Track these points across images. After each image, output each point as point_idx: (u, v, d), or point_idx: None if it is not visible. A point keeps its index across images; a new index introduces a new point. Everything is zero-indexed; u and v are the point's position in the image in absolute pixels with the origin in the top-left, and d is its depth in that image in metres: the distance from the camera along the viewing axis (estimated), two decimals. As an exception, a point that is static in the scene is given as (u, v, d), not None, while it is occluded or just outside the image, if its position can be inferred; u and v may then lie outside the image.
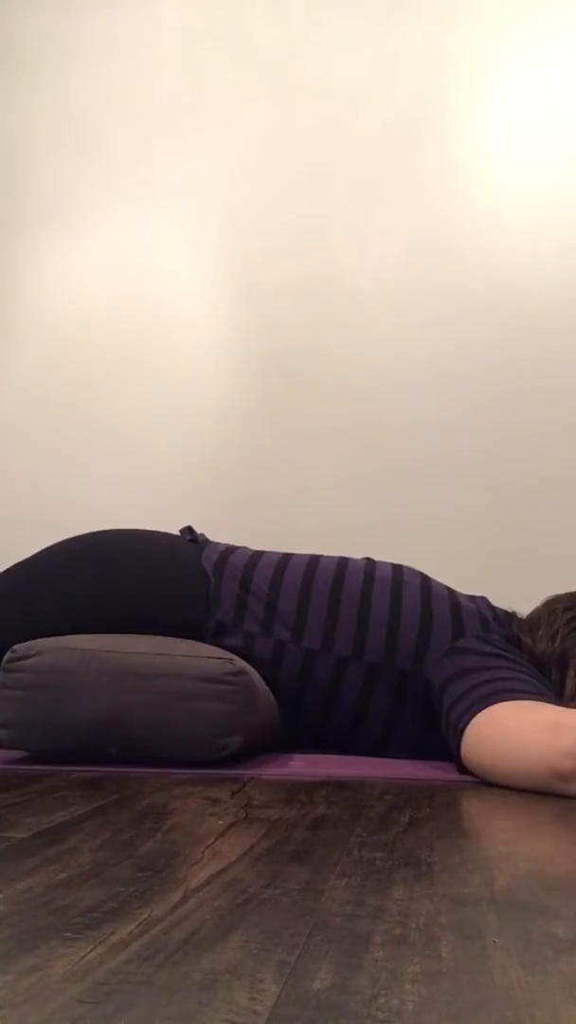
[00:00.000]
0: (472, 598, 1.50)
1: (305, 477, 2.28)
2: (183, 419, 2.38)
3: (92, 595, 1.46)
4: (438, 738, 1.40)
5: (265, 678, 1.41)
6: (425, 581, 1.50)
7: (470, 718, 1.21)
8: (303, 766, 1.26)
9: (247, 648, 1.42)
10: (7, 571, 1.54)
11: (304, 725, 1.46)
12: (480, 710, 1.21)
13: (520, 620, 1.48)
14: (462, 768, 1.23)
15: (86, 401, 2.44)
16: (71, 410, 2.44)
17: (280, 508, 2.26)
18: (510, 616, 1.50)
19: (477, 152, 2.31)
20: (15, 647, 1.31)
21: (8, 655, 1.30)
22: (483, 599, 1.52)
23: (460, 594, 1.50)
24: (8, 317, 2.51)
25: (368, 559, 1.55)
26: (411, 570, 1.53)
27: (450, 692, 1.30)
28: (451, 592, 1.49)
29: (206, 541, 1.58)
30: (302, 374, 2.33)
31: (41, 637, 1.36)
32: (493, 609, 1.49)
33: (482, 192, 2.29)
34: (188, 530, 1.60)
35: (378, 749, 1.44)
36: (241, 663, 1.31)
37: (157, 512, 2.03)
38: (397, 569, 1.52)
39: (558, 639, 1.39)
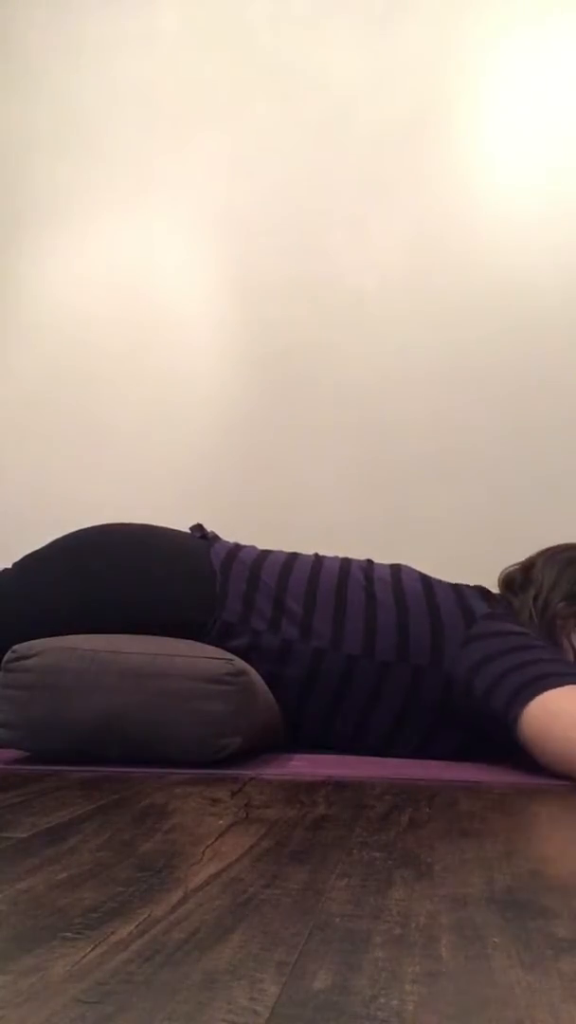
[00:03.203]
0: (469, 586, 1.52)
1: (305, 476, 2.28)
2: (183, 418, 2.38)
3: (102, 588, 1.46)
4: (442, 736, 1.40)
5: (272, 675, 1.40)
6: (424, 576, 1.51)
7: (521, 707, 1.22)
8: (303, 766, 1.26)
9: (254, 645, 1.41)
10: (18, 563, 1.54)
11: (309, 723, 1.45)
12: (530, 698, 1.22)
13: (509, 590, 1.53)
14: (510, 749, 1.26)
15: (87, 400, 2.44)
16: (72, 409, 2.44)
17: (280, 507, 2.26)
18: (507, 600, 1.53)
19: (478, 151, 2.31)
20: (15, 647, 1.31)
21: (8, 655, 1.30)
22: (479, 587, 1.54)
23: (459, 584, 1.52)
24: (9, 317, 2.51)
25: (368, 560, 1.56)
26: (408, 568, 1.54)
27: (482, 678, 1.31)
28: (451, 584, 1.51)
29: (215, 538, 1.58)
30: (303, 373, 2.32)
31: (50, 629, 1.37)
32: (492, 594, 1.52)
33: (483, 191, 2.29)
34: (198, 527, 1.61)
35: (382, 748, 1.44)
36: (241, 663, 1.31)
37: (158, 511, 2.02)
38: (395, 568, 1.53)
39: (542, 592, 1.46)
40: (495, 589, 1.56)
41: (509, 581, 1.55)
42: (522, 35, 2.31)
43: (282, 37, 2.43)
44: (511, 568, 1.58)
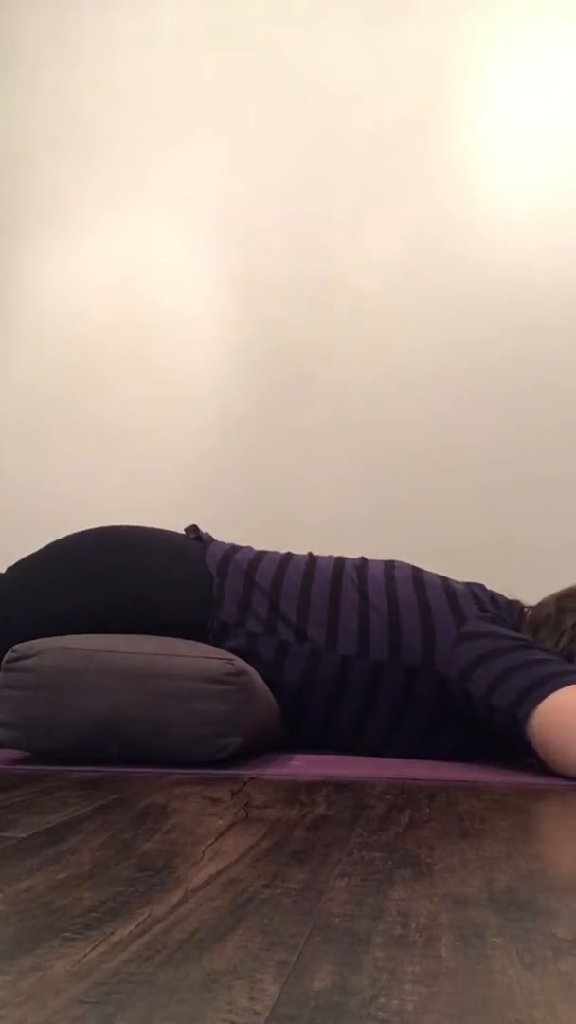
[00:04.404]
0: (468, 584, 1.52)
1: (305, 476, 2.28)
2: (182, 417, 2.38)
3: (99, 591, 1.46)
4: (440, 735, 1.40)
5: (269, 678, 1.41)
6: (416, 573, 1.51)
7: (532, 706, 1.23)
8: (303, 766, 1.26)
9: (250, 648, 1.42)
10: (14, 565, 1.54)
11: (307, 724, 1.46)
12: (541, 698, 1.23)
13: (524, 610, 1.49)
14: (520, 753, 1.28)
15: (86, 399, 2.44)
16: (71, 408, 2.44)
17: (279, 506, 2.26)
18: (511, 603, 1.51)
19: (477, 151, 2.31)
20: (15, 647, 1.31)
21: (8, 655, 1.31)
22: (479, 585, 1.53)
23: (453, 580, 1.51)
24: (8, 316, 2.51)
25: (362, 558, 1.55)
26: (402, 564, 1.54)
27: (480, 677, 1.31)
28: (444, 580, 1.50)
29: (210, 540, 1.58)
30: (301, 372, 2.33)
31: (48, 631, 1.37)
32: (490, 593, 1.50)
33: (482, 191, 2.29)
34: (193, 528, 1.61)
35: (381, 747, 1.44)
36: (241, 663, 1.31)
37: (156, 510, 2.02)
38: (389, 565, 1.53)
39: (564, 639, 1.40)
40: (495, 587, 1.56)
41: (543, 618, 1.49)
42: (522, 35, 2.31)
43: (282, 37, 2.43)
44: (544, 605, 1.52)
